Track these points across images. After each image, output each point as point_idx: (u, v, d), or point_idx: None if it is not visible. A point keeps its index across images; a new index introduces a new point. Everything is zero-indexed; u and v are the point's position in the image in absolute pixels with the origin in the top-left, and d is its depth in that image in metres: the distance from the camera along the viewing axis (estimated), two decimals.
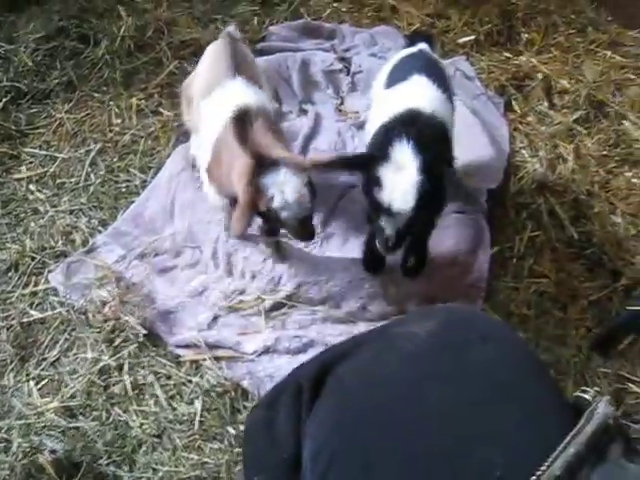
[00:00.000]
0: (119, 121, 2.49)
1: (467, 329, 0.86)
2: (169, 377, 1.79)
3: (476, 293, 1.94)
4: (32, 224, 2.16)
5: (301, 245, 1.98)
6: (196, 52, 2.78)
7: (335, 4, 3.09)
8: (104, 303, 1.89)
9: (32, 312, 1.92)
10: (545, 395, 0.78)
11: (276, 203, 1.58)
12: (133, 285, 1.93)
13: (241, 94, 1.77)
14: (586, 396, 0.75)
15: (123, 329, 1.84)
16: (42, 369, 1.82)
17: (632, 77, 2.72)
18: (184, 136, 2.31)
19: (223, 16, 2.98)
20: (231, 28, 2.27)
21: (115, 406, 1.74)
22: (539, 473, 0.64)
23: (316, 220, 2.10)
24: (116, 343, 1.83)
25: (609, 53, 2.83)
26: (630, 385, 1.77)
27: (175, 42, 2.80)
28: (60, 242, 2.10)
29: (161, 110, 2.54)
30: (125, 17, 2.81)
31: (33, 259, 2.05)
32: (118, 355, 1.81)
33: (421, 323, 0.86)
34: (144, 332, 1.81)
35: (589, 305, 1.99)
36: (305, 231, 1.69)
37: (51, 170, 2.32)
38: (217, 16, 2.97)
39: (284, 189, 1.57)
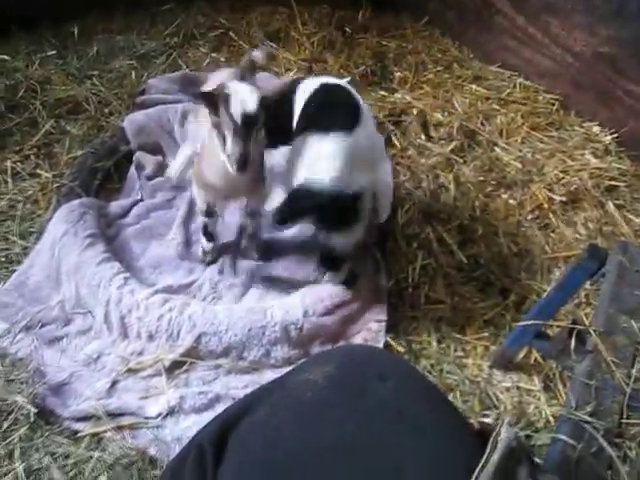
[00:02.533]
0: None
1: (365, 369, 0.87)
2: (67, 456, 1.65)
3: (378, 326, 1.97)
4: None
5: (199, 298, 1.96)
6: (73, 109, 2.71)
7: (214, 54, 3.13)
8: None
9: None
10: (449, 426, 0.80)
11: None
12: (20, 361, 1.79)
13: None
14: (488, 420, 0.78)
15: (11, 411, 1.69)
16: None
17: (497, 107, 2.95)
18: (64, 198, 2.20)
19: (99, 72, 2.92)
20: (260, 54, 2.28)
21: None
22: None
23: (214, 271, 2.08)
24: (4, 428, 1.67)
25: (474, 86, 3.07)
26: (529, 398, 1.86)
27: (50, 100, 2.71)
28: None
29: (39, 172, 2.42)
30: None
31: None
32: (7, 441, 1.65)
33: (319, 369, 0.86)
34: (35, 411, 1.67)
35: (485, 324, 2.08)
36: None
37: None
38: (93, 72, 2.91)
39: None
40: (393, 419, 0.79)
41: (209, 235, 2.11)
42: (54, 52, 2.99)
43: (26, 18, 3.01)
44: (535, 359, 1.95)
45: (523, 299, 2.15)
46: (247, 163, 1.62)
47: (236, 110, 1.58)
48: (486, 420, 0.80)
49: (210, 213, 2.05)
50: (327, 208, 1.75)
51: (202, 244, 2.12)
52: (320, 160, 1.75)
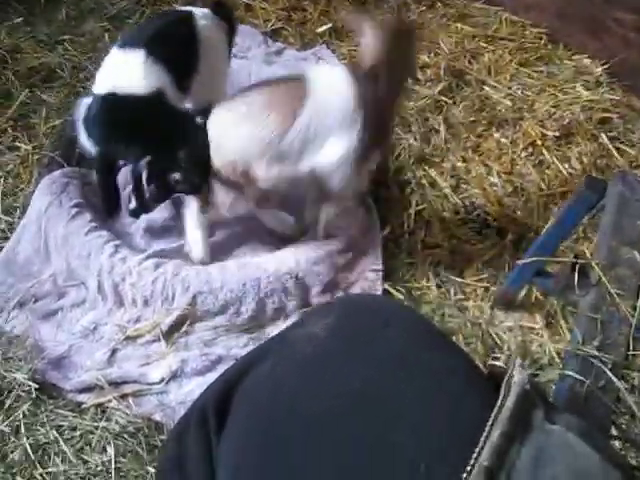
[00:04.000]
0: None
1: (367, 317, 0.84)
2: (73, 428, 1.64)
3: (375, 275, 1.95)
4: None
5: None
6: (47, 77, 2.61)
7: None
8: None
9: None
10: (459, 371, 0.77)
11: None
12: (16, 338, 1.76)
13: None
14: (499, 363, 0.76)
15: (12, 388, 1.67)
16: None
17: (484, 45, 2.86)
18: (46, 169, 2.14)
19: (71, 36, 2.81)
20: None
21: (17, 475, 1.57)
22: (469, 469, 0.62)
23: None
24: (6, 405, 1.66)
25: (460, 25, 2.97)
26: (532, 336, 1.85)
27: (22, 70, 2.61)
28: None
29: (18, 144, 2.34)
30: None
31: None
32: (11, 418, 1.64)
33: (320, 321, 0.83)
34: (36, 386, 1.65)
35: (483, 265, 2.06)
36: None
37: None
38: (64, 37, 2.80)
39: None
40: (400, 365, 0.77)
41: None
42: (21, 19, 2.86)
43: None
44: (536, 297, 1.93)
45: (521, 238, 2.12)
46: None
47: None
48: (496, 363, 0.77)
49: None
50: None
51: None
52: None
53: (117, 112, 1.79)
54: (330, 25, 2.90)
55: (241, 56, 2.67)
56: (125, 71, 1.81)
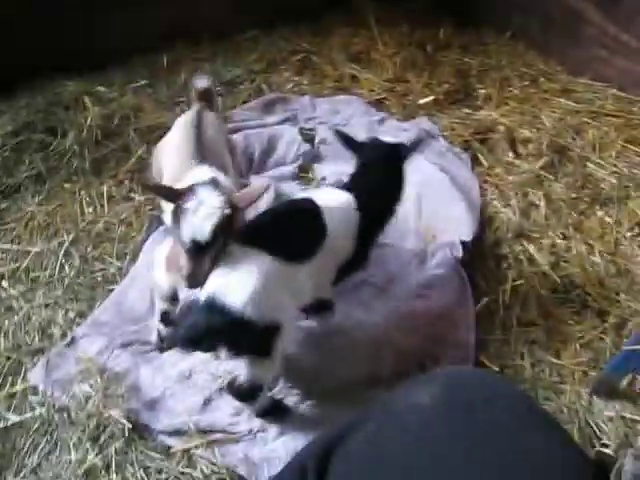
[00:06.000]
0: (91, 210, 2.47)
1: (471, 391, 0.83)
2: (160, 471, 1.68)
3: (466, 347, 1.91)
4: (6, 322, 2.07)
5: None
6: (163, 135, 2.79)
7: (296, 78, 3.19)
8: (87, 398, 1.80)
9: (9, 416, 1.82)
10: (563, 454, 0.75)
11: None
12: (116, 376, 1.85)
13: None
14: (607, 450, 0.73)
15: (108, 424, 1.75)
16: (22, 477, 1.70)
17: (588, 121, 2.83)
18: (157, 220, 2.29)
19: (188, 98, 3.04)
20: (203, 82, 2.22)
21: None
22: None
23: None
24: (101, 440, 1.73)
25: (563, 100, 2.96)
26: (635, 429, 1.73)
27: (142, 127, 2.84)
28: (37, 338, 2.02)
29: (132, 195, 2.53)
30: (91, 107, 2.84)
31: (9, 359, 1.96)
32: (104, 453, 1.71)
33: (422, 391, 0.83)
34: (129, 426, 1.72)
35: (582, 348, 1.97)
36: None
37: (24, 265, 2.26)
38: (181, 98, 3.03)
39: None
40: (503, 443, 0.75)
41: (168, 321, 1.91)
42: (145, 82, 3.13)
43: (120, 52, 3.18)
44: None
45: (624, 322, 2.03)
46: (199, 281, 1.52)
47: (187, 232, 1.49)
48: (605, 450, 0.74)
49: (174, 299, 1.86)
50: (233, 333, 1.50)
51: (160, 330, 1.94)
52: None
53: None
54: (432, 97, 2.96)
55: (343, 124, 2.77)
56: None
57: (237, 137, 2.64)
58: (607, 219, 2.38)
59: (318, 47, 3.39)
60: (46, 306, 2.12)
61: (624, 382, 1.80)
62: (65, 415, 1.79)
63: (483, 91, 3.05)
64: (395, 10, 3.61)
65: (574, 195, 2.48)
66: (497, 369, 1.89)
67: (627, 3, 2.86)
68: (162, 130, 2.81)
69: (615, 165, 2.60)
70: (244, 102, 3.02)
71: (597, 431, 1.72)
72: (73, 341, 1.96)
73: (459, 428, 0.76)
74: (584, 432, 1.73)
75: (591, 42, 3.04)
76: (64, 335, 2.01)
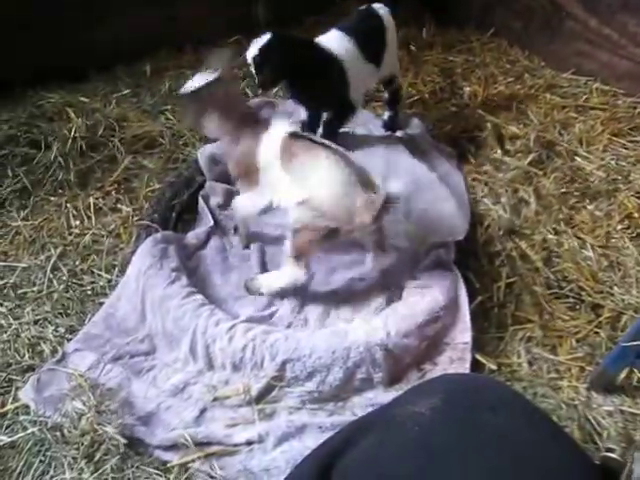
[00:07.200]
0: (78, 222, 2.43)
1: (473, 400, 0.82)
2: None
3: (463, 347, 1.90)
4: None
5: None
6: (149, 144, 2.79)
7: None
8: (80, 415, 1.76)
9: (1, 437, 1.78)
10: (568, 459, 0.73)
11: None
12: (109, 391, 1.82)
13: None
14: (614, 455, 0.71)
15: (102, 441, 1.71)
16: None
17: (574, 115, 2.84)
18: (144, 231, 2.26)
19: (172, 106, 3.01)
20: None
21: None
22: None
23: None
24: (96, 458, 1.69)
25: (549, 95, 2.97)
26: (634, 423, 1.72)
27: (127, 137, 2.80)
28: (27, 355, 1.98)
29: (119, 207, 2.50)
30: (75, 118, 2.80)
31: None
32: (100, 471, 1.67)
33: (423, 401, 0.81)
34: (124, 441, 1.69)
35: (578, 343, 1.97)
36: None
37: (11, 281, 2.22)
38: (166, 107, 3.00)
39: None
40: (509, 454, 0.73)
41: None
42: (129, 91, 3.10)
43: (103, 62, 3.15)
44: (638, 380, 1.81)
45: (619, 315, 2.02)
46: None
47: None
48: (611, 455, 0.72)
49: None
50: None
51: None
52: None
53: None
54: (418, 97, 2.97)
55: None
56: None
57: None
58: (597, 213, 2.38)
59: None
60: (35, 322, 2.09)
61: (622, 376, 1.80)
62: (58, 433, 1.75)
63: (468, 89, 3.05)
64: None
65: (564, 190, 2.47)
66: (494, 367, 1.88)
67: None
68: (147, 139, 2.81)
69: (603, 159, 2.60)
70: None
71: (597, 427, 1.72)
72: (64, 357, 1.93)
73: (462, 438, 0.74)
74: (584, 428, 1.72)
75: (574, 37, 3.05)
76: (54, 351, 1.98)
